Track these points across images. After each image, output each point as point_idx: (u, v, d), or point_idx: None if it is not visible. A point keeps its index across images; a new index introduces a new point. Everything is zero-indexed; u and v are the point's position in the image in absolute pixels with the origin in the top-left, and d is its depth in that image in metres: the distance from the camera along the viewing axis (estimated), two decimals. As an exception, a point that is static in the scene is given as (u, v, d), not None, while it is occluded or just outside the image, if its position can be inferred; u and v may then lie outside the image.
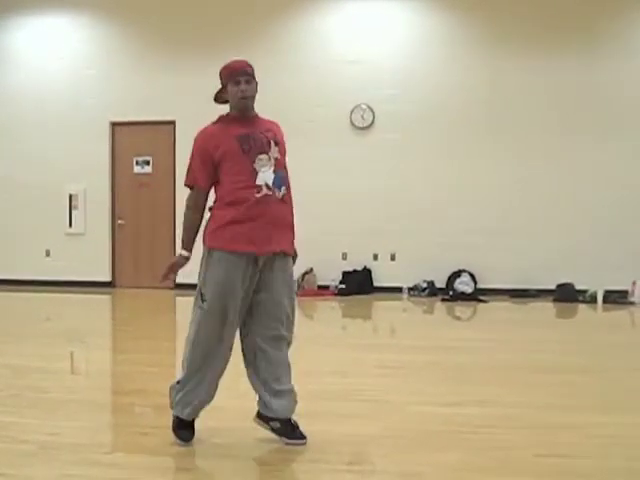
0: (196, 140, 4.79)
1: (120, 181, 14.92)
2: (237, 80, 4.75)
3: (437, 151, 13.77)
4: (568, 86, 13.44)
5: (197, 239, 4.85)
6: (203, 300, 4.68)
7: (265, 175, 4.64)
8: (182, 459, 4.67)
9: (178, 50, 14.37)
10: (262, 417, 4.95)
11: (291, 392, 4.90)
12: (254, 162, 4.65)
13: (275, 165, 4.71)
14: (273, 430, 4.90)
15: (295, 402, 4.93)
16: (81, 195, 14.87)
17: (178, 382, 4.84)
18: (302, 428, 4.92)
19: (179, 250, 4.84)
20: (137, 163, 14.75)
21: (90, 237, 14.87)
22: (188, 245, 4.81)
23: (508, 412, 5.68)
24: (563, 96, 13.46)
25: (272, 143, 4.77)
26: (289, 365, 4.93)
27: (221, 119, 4.84)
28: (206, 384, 4.80)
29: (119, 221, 14.87)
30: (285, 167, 4.82)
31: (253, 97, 4.84)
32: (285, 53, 14.17)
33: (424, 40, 13.96)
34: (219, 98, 4.94)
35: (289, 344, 4.96)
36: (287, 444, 4.83)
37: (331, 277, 13.89)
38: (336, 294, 13.67)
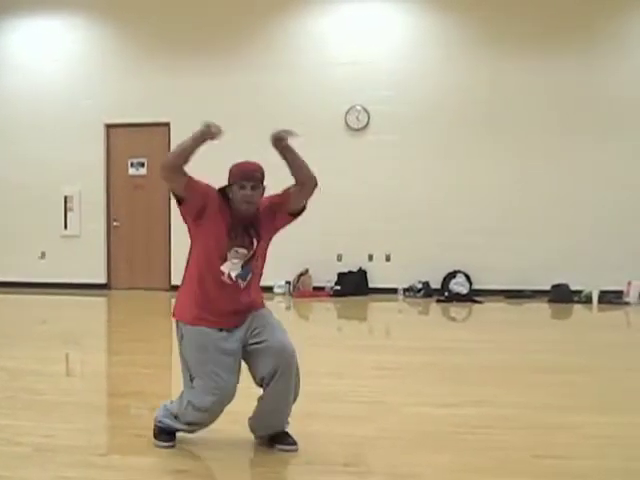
0: (208, 185, 4.76)
1: (115, 183, 14.91)
2: (243, 185, 4.69)
3: (432, 152, 13.77)
4: (567, 86, 13.44)
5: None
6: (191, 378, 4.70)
7: (232, 266, 4.69)
8: (177, 461, 4.65)
9: (173, 52, 14.36)
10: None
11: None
12: (229, 250, 4.68)
13: (247, 260, 4.76)
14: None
15: (287, 416, 4.91)
16: (76, 197, 14.85)
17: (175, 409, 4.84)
18: (293, 433, 4.90)
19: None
20: (132, 165, 14.73)
21: (85, 239, 14.85)
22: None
23: (505, 413, 5.68)
24: (562, 96, 13.46)
25: (255, 241, 4.82)
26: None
27: (224, 197, 4.77)
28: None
29: (114, 223, 14.85)
30: (262, 255, 4.98)
31: (257, 203, 4.80)
32: (280, 54, 14.16)
33: (419, 41, 13.96)
34: (226, 192, 4.78)
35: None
36: (279, 450, 4.81)
37: (326, 278, 13.88)
38: (331, 295, 13.67)
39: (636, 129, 13.38)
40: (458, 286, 13.36)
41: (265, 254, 4.99)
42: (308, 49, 14.18)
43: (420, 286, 13.58)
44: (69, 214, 14.95)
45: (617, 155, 13.36)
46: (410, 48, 13.95)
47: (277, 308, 12.82)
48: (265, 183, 4.89)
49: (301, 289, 13.76)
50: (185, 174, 4.60)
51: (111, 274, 14.94)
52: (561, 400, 6.08)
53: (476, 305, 12.72)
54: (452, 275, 13.54)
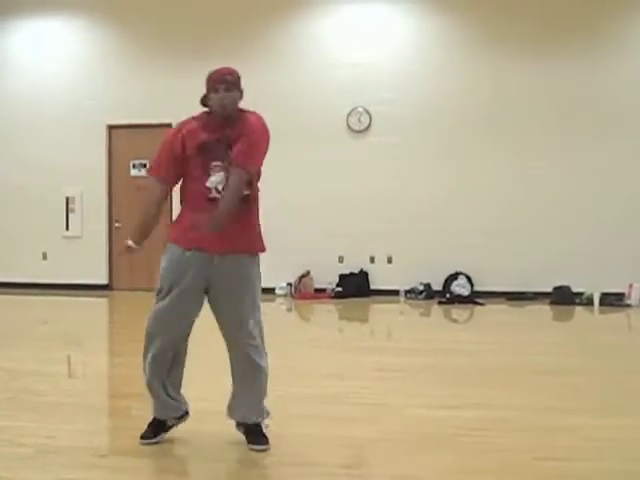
0: (168, 133, 4.92)
1: (117, 184, 14.92)
2: (216, 88, 4.77)
3: (433, 154, 13.77)
4: (567, 87, 13.44)
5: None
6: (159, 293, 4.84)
7: (216, 178, 4.73)
8: (177, 463, 4.66)
9: (175, 53, 14.37)
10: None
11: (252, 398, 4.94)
12: (208, 167, 4.73)
13: (229, 171, 4.74)
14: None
15: (258, 409, 4.94)
16: (78, 198, 14.87)
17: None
18: (293, 434, 4.90)
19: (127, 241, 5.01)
20: (134, 166, 14.74)
21: (87, 240, 14.86)
22: (133, 235, 5.02)
23: (506, 415, 5.67)
24: (562, 97, 13.46)
25: (230, 152, 4.76)
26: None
27: (201, 117, 4.90)
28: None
29: (116, 224, 14.86)
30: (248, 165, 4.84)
31: (233, 105, 4.81)
32: (282, 56, 14.18)
33: (421, 43, 13.97)
34: (204, 103, 4.93)
35: (256, 348, 5.03)
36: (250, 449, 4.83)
37: (328, 280, 13.88)
38: (333, 297, 13.66)
39: (637, 130, 13.38)
40: (460, 288, 13.36)
41: (251, 170, 4.92)
42: (310, 51, 14.19)
43: (422, 288, 13.58)
44: (71, 215, 14.97)
45: (618, 156, 13.36)
46: (412, 50, 13.96)
47: (278, 310, 12.83)
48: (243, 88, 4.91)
49: (302, 291, 13.76)
50: (165, 191, 4.98)
51: (112, 275, 14.94)
52: (562, 402, 6.08)
53: (477, 307, 12.72)
54: (454, 277, 13.54)
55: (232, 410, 4.95)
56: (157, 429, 4.94)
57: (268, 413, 4.98)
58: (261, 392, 4.95)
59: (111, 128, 14.80)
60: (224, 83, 4.75)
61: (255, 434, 4.87)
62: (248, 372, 4.91)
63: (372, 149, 13.95)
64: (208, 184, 4.72)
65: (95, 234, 14.78)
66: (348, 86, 14.01)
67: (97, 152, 14.77)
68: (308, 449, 4.84)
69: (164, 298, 4.75)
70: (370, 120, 14.01)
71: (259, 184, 5.09)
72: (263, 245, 5.15)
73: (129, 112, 14.47)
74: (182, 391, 4.96)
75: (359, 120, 14.05)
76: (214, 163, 4.72)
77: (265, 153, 5.00)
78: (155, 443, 4.86)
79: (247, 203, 4.85)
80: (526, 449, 4.85)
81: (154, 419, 4.95)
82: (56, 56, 14.97)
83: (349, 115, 14.06)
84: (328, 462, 4.61)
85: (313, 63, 14.15)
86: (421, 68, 13.88)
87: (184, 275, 4.74)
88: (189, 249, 4.77)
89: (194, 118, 4.88)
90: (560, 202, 13.47)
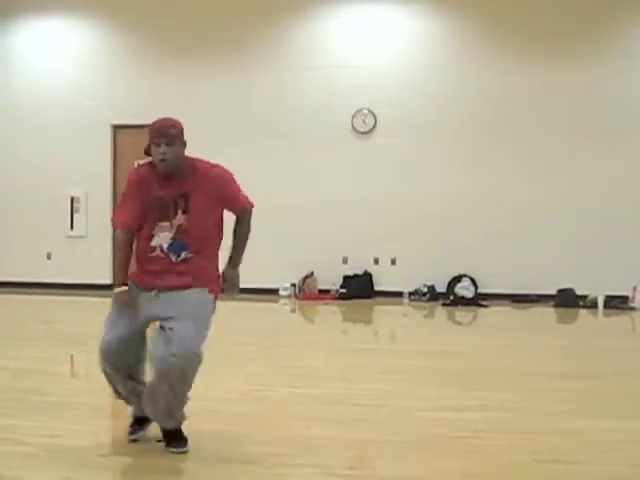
0: (129, 181, 4.90)
1: (122, 184, 14.71)
2: (157, 142, 4.62)
3: (439, 156, 13.77)
4: (574, 90, 13.41)
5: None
6: None
7: (161, 239, 4.72)
8: (182, 463, 4.66)
9: (180, 53, 14.38)
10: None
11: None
12: (153, 227, 4.72)
13: (176, 232, 4.72)
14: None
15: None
16: (82, 198, 14.88)
17: None
18: (295, 435, 4.90)
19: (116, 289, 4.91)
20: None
21: (91, 240, 14.86)
22: (122, 279, 4.86)
23: (509, 417, 5.68)
24: (568, 100, 13.44)
25: (179, 211, 4.71)
26: None
27: (152, 167, 4.80)
28: None
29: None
30: (198, 232, 4.78)
31: (175, 160, 4.68)
32: (286, 57, 14.18)
33: (426, 44, 13.96)
34: (147, 152, 4.79)
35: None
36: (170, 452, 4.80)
37: (332, 281, 13.88)
38: (337, 298, 13.66)
39: (643, 135, 13.40)
40: (463, 290, 13.36)
41: (207, 229, 4.84)
42: (315, 52, 14.19)
43: (425, 290, 13.58)
44: (75, 215, 14.97)
45: (624, 160, 13.34)
46: (417, 51, 13.96)
47: (282, 311, 12.86)
48: (186, 139, 4.78)
49: (306, 292, 13.77)
50: (130, 238, 4.86)
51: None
52: (566, 405, 6.08)
53: (481, 309, 12.72)
54: (458, 279, 13.53)
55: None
56: (140, 421, 5.00)
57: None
58: None
59: (116, 128, 14.80)
60: (165, 137, 4.61)
61: (174, 436, 4.85)
62: None
63: (377, 150, 13.95)
64: (153, 243, 4.74)
65: (99, 234, 14.75)
66: (353, 87, 14.00)
67: (102, 152, 14.77)
68: (312, 450, 4.85)
69: None
70: (375, 121, 14.01)
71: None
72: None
73: (134, 112, 14.47)
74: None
75: (364, 121, 14.05)
76: (162, 224, 4.70)
77: None
78: (142, 434, 4.96)
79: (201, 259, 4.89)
80: (529, 452, 4.85)
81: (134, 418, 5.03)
82: (61, 56, 14.97)
83: (354, 116, 14.06)
84: (332, 463, 4.62)
85: (318, 64, 14.14)
86: (427, 69, 13.87)
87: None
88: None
89: (146, 168, 4.81)
90: (565, 205, 13.46)
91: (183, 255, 4.73)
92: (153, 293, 4.71)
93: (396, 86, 13.92)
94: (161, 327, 4.62)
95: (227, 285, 4.97)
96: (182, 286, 4.71)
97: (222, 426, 5.25)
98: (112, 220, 4.93)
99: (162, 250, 4.71)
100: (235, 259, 4.99)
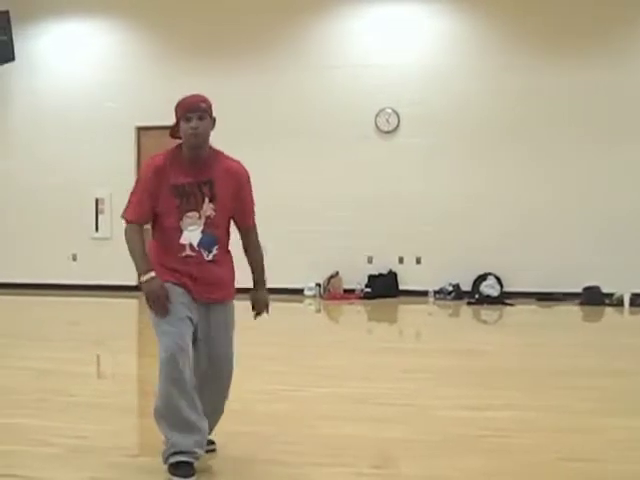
0: (143, 171, 4.71)
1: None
2: (188, 117, 4.49)
3: (462, 155, 13.73)
4: (596, 90, 13.34)
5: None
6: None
7: (191, 234, 4.53)
8: (207, 463, 4.66)
9: (202, 54, 14.40)
10: None
11: None
12: (181, 220, 4.53)
13: (205, 224, 4.54)
14: None
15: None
16: (107, 199, 14.93)
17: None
18: (321, 435, 4.90)
19: (144, 277, 4.53)
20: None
21: (116, 241, 14.84)
22: (147, 265, 4.58)
23: (533, 416, 5.67)
24: (591, 100, 13.37)
25: (206, 199, 4.54)
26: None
27: (173, 154, 4.60)
28: None
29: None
30: (224, 224, 4.66)
31: (205, 135, 4.54)
32: (310, 56, 14.19)
33: (450, 44, 13.93)
34: (174, 133, 4.63)
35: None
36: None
37: (357, 280, 13.87)
38: (362, 297, 13.65)
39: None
40: (489, 288, 13.32)
41: (229, 222, 4.73)
42: (338, 51, 14.19)
43: (451, 288, 13.55)
44: (100, 216, 15.03)
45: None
46: (441, 50, 13.93)
47: (307, 311, 12.86)
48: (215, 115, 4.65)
49: (331, 291, 13.77)
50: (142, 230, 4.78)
51: (142, 276, 14.99)
52: (590, 404, 6.06)
53: (507, 308, 12.67)
54: (483, 277, 13.50)
55: None
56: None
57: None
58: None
59: (140, 129, 14.85)
60: (197, 111, 4.52)
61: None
62: None
63: (400, 150, 13.93)
64: (182, 240, 4.53)
65: (124, 235, 14.82)
66: (377, 87, 13.99)
67: (126, 153, 14.83)
68: (337, 449, 4.85)
69: None
70: (398, 121, 14.00)
71: None
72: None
73: (158, 114, 14.41)
74: None
75: (387, 121, 14.04)
76: (189, 214, 4.52)
77: None
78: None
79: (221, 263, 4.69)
80: (553, 450, 4.85)
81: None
82: (85, 58, 15.03)
83: (377, 116, 14.05)
84: (357, 462, 4.63)
85: (341, 63, 14.14)
86: (450, 69, 13.84)
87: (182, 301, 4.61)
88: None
89: (164, 156, 4.59)
90: (591, 202, 13.38)
91: (214, 251, 4.58)
92: (198, 305, 4.55)
93: (419, 85, 13.89)
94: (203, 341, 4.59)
95: (260, 307, 4.83)
96: (225, 298, 4.65)
97: (248, 426, 5.27)
98: (123, 215, 4.86)
99: (192, 248, 4.53)
100: (261, 281, 4.85)
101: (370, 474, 4.48)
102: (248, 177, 4.73)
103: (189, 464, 4.36)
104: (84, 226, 14.96)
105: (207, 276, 4.55)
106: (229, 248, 4.72)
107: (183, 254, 4.53)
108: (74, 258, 15.06)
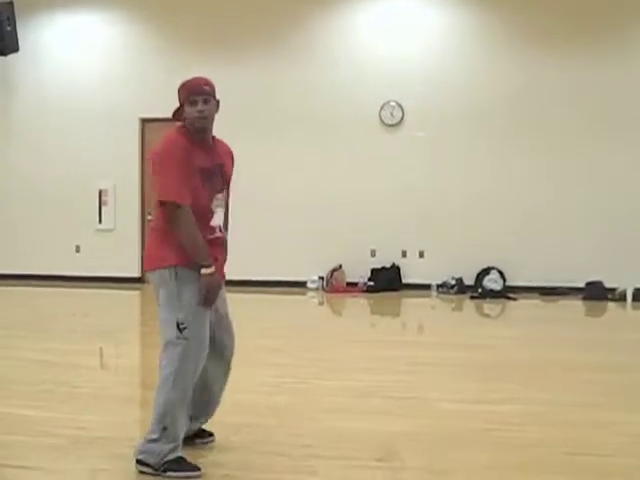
0: (172, 151, 4.41)
1: (150, 177, 14.95)
2: (194, 100, 4.40)
3: (467, 149, 13.71)
4: (603, 85, 13.30)
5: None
6: (182, 329, 4.39)
7: (218, 217, 4.53)
8: (213, 454, 4.68)
9: (207, 46, 14.39)
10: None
11: None
12: (212, 201, 4.47)
13: (225, 208, 4.65)
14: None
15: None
16: (111, 191, 14.93)
17: (154, 439, 4.41)
18: (324, 428, 4.89)
19: (204, 270, 4.35)
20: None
21: (120, 233, 14.93)
22: (209, 257, 4.39)
23: (539, 410, 5.66)
24: (596, 95, 13.34)
25: (224, 184, 4.60)
26: None
27: (185, 135, 4.45)
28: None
29: (149, 217, 14.90)
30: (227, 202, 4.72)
31: (212, 118, 4.47)
32: (314, 49, 14.16)
33: (454, 37, 13.90)
34: (177, 116, 4.55)
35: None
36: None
37: (360, 274, 13.86)
38: (365, 291, 13.65)
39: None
40: (492, 283, 13.31)
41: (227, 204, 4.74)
42: (343, 44, 14.16)
43: (453, 282, 13.54)
44: (104, 208, 15.03)
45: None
46: (445, 43, 13.90)
47: (310, 303, 12.87)
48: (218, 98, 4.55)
49: (334, 284, 13.76)
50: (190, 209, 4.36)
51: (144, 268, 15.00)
52: (594, 398, 6.06)
53: (510, 302, 12.67)
54: (486, 271, 13.48)
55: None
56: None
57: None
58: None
59: (145, 121, 14.85)
60: (202, 94, 4.42)
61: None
62: None
63: (404, 143, 13.91)
64: (213, 223, 4.48)
65: (128, 227, 14.83)
66: (381, 80, 13.96)
67: (130, 145, 14.82)
68: (340, 442, 4.85)
69: None
70: (403, 114, 13.98)
71: None
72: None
73: (162, 106, 14.42)
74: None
75: (391, 114, 14.01)
76: (218, 195, 4.51)
77: None
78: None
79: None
80: (558, 444, 4.84)
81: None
82: (89, 50, 15.02)
83: (382, 109, 14.03)
84: (360, 455, 4.63)
85: (346, 56, 14.12)
86: (454, 62, 13.80)
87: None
88: None
89: (184, 136, 4.45)
90: (593, 197, 13.36)
91: (225, 235, 4.67)
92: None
93: (424, 79, 13.84)
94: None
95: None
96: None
97: (252, 418, 5.27)
98: (169, 198, 4.33)
99: (220, 230, 4.56)
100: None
101: (374, 467, 4.47)
102: (233, 154, 4.79)
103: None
104: (87, 218, 14.96)
105: (225, 257, 4.63)
106: None
107: (213, 236, 4.50)
108: (77, 250, 15.06)
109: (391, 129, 14.01)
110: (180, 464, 4.35)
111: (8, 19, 13.05)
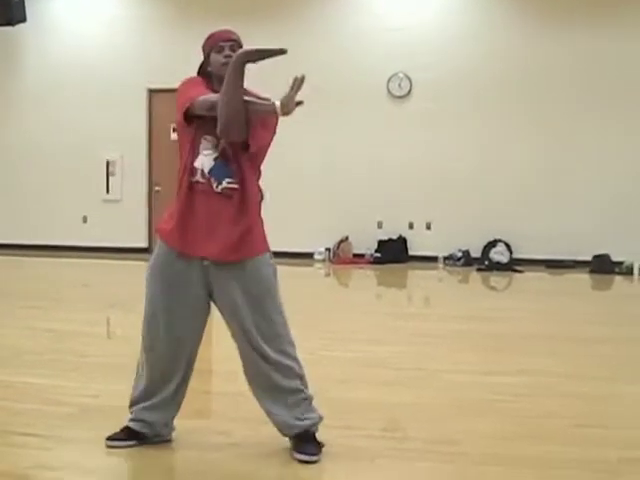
0: (188, 79, 4.33)
1: (157, 148, 14.97)
2: (221, 46, 4.20)
3: (475, 120, 13.69)
4: (607, 56, 13.26)
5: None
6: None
7: (204, 160, 4.12)
8: (220, 423, 4.71)
9: (215, 17, 14.20)
10: None
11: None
12: (200, 142, 4.14)
13: (221, 155, 4.13)
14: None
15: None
16: (118, 162, 14.95)
17: None
18: (330, 400, 4.89)
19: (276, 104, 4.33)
20: (174, 130, 14.71)
21: (127, 204, 14.96)
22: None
23: (544, 381, 5.68)
24: (601, 66, 13.30)
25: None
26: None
27: (206, 82, 4.27)
28: None
29: (156, 188, 14.93)
30: (245, 159, 4.22)
31: None
32: (322, 21, 14.13)
33: (462, 7, 13.86)
34: (203, 71, 4.34)
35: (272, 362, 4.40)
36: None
37: (366, 246, 13.89)
38: (371, 262, 13.68)
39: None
40: (498, 255, 13.33)
41: (253, 164, 4.34)
42: (350, 15, 14.13)
43: (460, 254, 13.56)
44: (111, 178, 15.06)
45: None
46: (453, 14, 13.86)
47: (317, 275, 12.89)
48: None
49: (341, 256, 13.79)
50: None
51: (152, 238, 15.02)
52: (601, 370, 6.08)
53: (516, 274, 12.70)
54: (492, 244, 13.50)
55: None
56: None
57: None
58: None
59: (152, 92, 14.84)
60: (229, 41, 4.23)
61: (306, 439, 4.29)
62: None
63: (413, 115, 13.89)
64: (195, 164, 4.12)
65: (135, 198, 14.87)
66: (388, 51, 13.93)
67: (138, 116, 14.83)
68: (346, 412, 4.87)
69: None
70: (411, 86, 13.95)
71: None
72: None
73: (170, 76, 14.38)
74: None
75: (399, 86, 13.99)
76: (207, 136, 4.13)
77: None
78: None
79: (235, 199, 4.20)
80: (566, 416, 4.86)
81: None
82: (96, 20, 14.99)
83: (389, 80, 14.00)
84: (366, 425, 4.65)
85: (353, 28, 14.08)
86: (463, 33, 13.74)
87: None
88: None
89: (203, 79, 4.30)
90: (601, 170, 13.35)
91: (224, 184, 4.13)
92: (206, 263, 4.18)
93: (432, 50, 13.81)
94: None
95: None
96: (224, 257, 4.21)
97: (254, 404, 5.29)
98: (188, 104, 4.09)
99: (203, 174, 4.12)
100: None
101: (379, 436, 4.50)
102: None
103: None
104: (95, 188, 14.98)
105: (212, 211, 4.22)
106: (257, 192, 4.53)
107: (194, 179, 4.16)
108: (85, 220, 15.09)
109: (399, 100, 13.99)
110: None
111: (16, -11, 13.01)
